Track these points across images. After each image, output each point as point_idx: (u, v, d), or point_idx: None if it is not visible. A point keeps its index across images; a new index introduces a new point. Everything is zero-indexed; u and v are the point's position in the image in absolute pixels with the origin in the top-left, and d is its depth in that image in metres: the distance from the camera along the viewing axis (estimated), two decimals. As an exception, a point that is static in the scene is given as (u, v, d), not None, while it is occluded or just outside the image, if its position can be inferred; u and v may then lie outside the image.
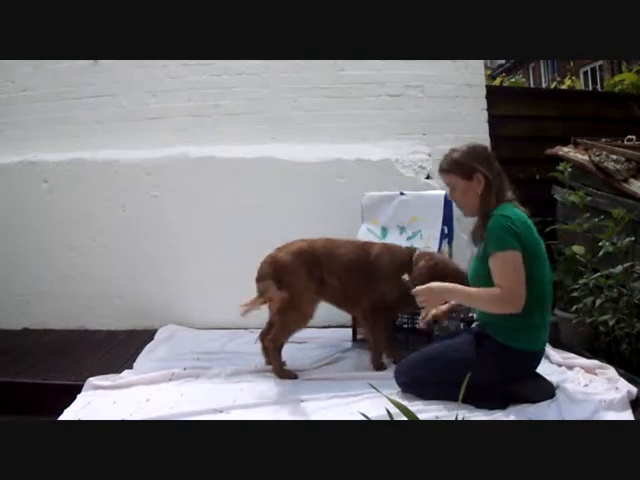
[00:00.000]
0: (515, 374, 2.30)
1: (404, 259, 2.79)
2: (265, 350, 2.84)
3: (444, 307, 2.48)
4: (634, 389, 2.30)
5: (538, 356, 2.37)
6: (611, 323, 2.69)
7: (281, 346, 2.81)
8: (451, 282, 2.36)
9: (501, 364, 2.26)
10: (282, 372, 2.71)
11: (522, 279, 2.15)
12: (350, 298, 2.86)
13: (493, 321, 2.31)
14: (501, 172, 2.35)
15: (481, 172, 2.28)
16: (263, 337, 2.85)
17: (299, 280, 2.73)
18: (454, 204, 3.11)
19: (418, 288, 2.32)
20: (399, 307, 2.87)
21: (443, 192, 3.19)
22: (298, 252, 2.77)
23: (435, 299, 2.34)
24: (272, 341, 2.74)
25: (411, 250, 2.86)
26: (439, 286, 2.31)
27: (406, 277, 2.63)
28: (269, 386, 2.57)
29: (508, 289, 2.13)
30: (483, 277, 2.28)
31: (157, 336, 3.45)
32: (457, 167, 2.32)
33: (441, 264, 2.69)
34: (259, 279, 2.74)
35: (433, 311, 2.42)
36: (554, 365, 2.73)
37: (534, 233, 2.28)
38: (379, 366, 2.79)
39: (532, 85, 15.44)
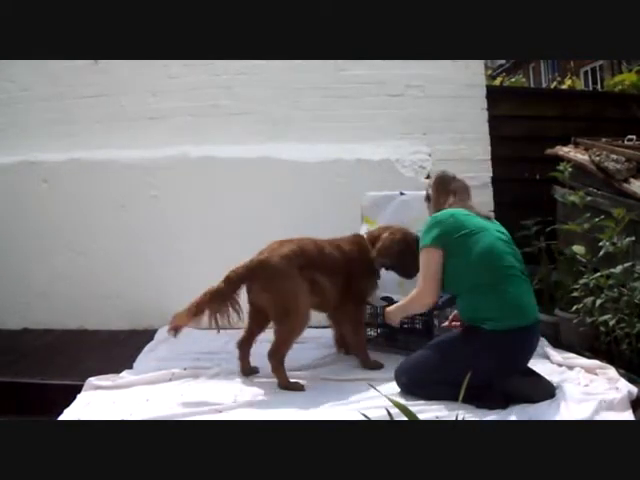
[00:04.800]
0: (514, 356, 2.33)
1: (361, 247, 2.88)
2: (243, 357, 2.74)
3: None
4: (634, 389, 2.30)
5: (531, 330, 2.34)
6: (611, 323, 2.69)
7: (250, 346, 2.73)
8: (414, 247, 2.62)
9: (496, 349, 2.28)
10: (290, 385, 2.54)
11: (431, 274, 2.42)
12: (339, 299, 2.79)
13: (472, 315, 2.37)
14: (447, 190, 2.60)
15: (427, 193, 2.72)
16: (241, 345, 2.74)
17: (294, 284, 2.58)
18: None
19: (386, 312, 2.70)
20: (370, 295, 2.95)
21: (443, 192, 3.19)
22: (290, 255, 2.62)
23: (396, 317, 2.66)
24: (274, 356, 2.55)
25: (357, 236, 2.97)
26: (392, 309, 2.66)
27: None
28: (269, 386, 2.57)
29: (418, 287, 2.48)
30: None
31: (157, 336, 3.44)
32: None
33: (406, 234, 2.83)
34: (242, 281, 2.60)
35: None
36: (554, 365, 2.73)
37: (460, 217, 2.43)
38: (374, 365, 2.80)
39: (532, 85, 15.42)
